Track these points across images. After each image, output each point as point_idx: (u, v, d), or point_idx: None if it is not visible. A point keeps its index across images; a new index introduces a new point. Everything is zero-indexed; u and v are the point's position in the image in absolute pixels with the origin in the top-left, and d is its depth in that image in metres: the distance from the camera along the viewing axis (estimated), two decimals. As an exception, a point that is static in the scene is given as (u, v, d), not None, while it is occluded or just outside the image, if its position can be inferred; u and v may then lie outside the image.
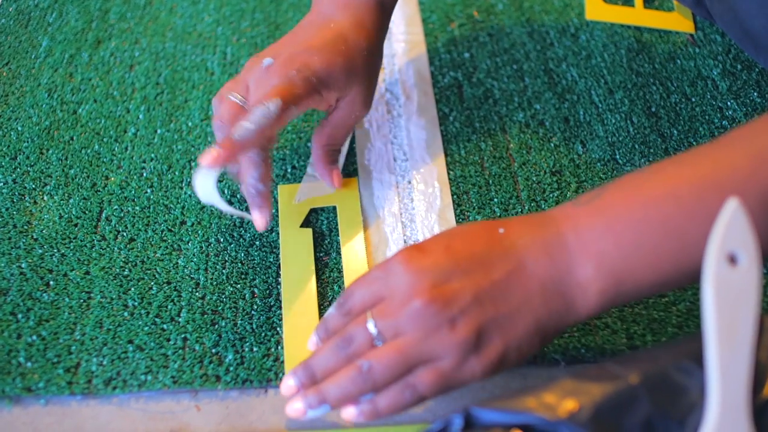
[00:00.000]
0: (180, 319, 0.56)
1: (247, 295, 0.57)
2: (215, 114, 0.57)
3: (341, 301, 0.48)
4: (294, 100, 0.53)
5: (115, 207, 0.63)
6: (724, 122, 0.67)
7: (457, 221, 0.61)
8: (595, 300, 0.44)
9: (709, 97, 0.70)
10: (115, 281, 0.58)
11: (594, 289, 0.44)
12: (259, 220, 0.57)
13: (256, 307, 0.56)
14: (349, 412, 0.45)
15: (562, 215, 0.46)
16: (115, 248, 0.60)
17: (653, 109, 0.69)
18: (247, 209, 0.58)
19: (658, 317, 0.54)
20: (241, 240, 0.61)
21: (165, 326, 0.55)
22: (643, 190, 0.44)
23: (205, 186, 0.52)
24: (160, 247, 0.60)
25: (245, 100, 0.56)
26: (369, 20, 0.60)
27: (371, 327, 0.45)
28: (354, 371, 0.44)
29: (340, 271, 0.59)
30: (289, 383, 0.47)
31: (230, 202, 0.63)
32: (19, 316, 0.56)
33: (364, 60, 0.59)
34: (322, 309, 0.56)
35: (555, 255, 0.44)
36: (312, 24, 0.60)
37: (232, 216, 0.61)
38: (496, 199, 0.63)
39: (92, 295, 0.57)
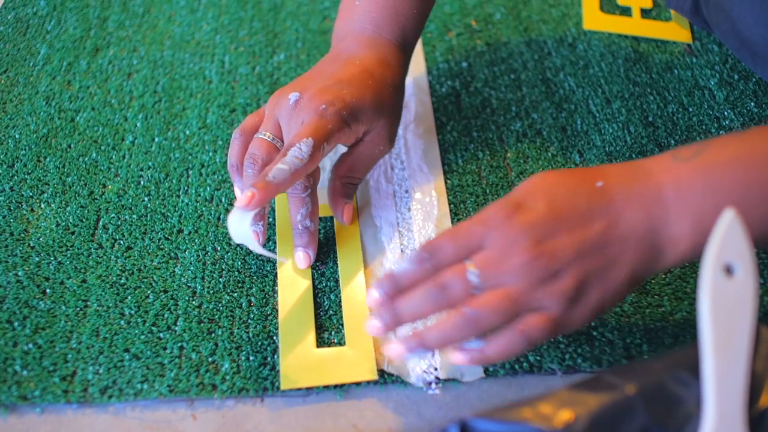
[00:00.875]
0: (176, 328, 0.56)
1: (243, 304, 0.57)
2: (248, 152, 0.56)
3: (424, 255, 0.47)
4: (325, 136, 0.53)
5: (112, 215, 0.63)
6: (721, 132, 0.68)
7: (455, 230, 0.61)
8: (683, 253, 0.45)
9: (706, 106, 0.70)
10: (111, 289, 0.58)
11: (686, 245, 0.45)
12: (303, 259, 0.58)
13: (252, 315, 0.56)
14: (459, 356, 0.46)
15: (662, 168, 0.46)
16: (112, 256, 0.60)
17: (650, 119, 0.70)
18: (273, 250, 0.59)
19: (655, 327, 0.54)
20: (238, 249, 0.61)
21: (161, 335, 0.55)
22: (747, 153, 0.45)
23: (239, 227, 0.52)
24: (157, 255, 0.60)
25: (276, 137, 0.57)
26: (393, 59, 0.61)
27: (473, 277, 0.45)
28: (458, 317, 0.45)
29: (336, 281, 0.59)
30: (374, 325, 0.48)
31: (228, 210, 0.63)
32: (16, 324, 0.56)
33: (391, 95, 0.59)
34: (318, 318, 0.56)
35: (652, 209, 0.45)
36: (336, 60, 0.61)
37: (260, 256, 0.60)
38: (493, 209, 0.63)
39: (89, 303, 0.57)
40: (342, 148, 0.61)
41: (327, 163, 0.66)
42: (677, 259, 0.46)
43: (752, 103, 0.70)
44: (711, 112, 0.70)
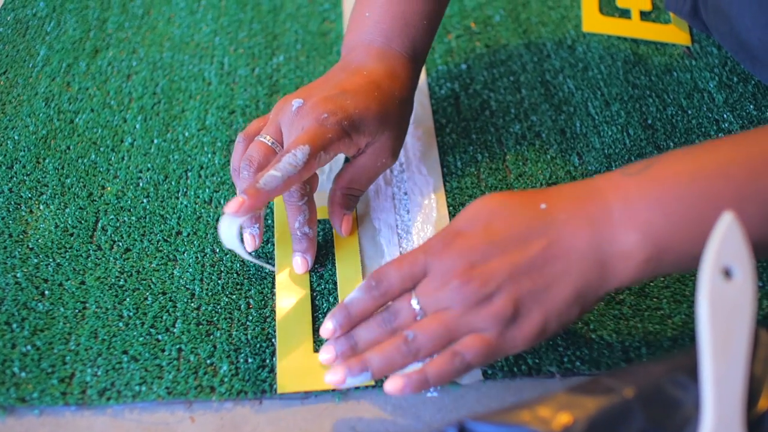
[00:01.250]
0: (175, 330, 0.56)
1: (242, 306, 0.57)
2: (246, 154, 0.56)
3: (372, 284, 0.48)
4: (324, 145, 0.53)
5: (111, 217, 0.63)
6: (720, 135, 0.68)
7: (453, 233, 0.61)
8: (636, 269, 0.45)
9: (705, 109, 0.70)
10: (110, 291, 0.58)
11: (636, 258, 0.44)
12: (301, 265, 0.58)
13: (251, 317, 0.56)
14: (396, 383, 0.46)
15: (610, 185, 0.46)
16: (111, 258, 0.60)
17: (649, 122, 0.70)
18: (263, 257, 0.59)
19: (654, 330, 0.54)
20: (236, 250, 0.61)
21: (160, 337, 0.55)
22: (695, 166, 0.45)
23: (228, 233, 0.52)
24: (156, 257, 0.60)
25: (276, 142, 0.56)
26: (402, 71, 0.61)
27: (414, 304, 0.47)
28: (399, 340, 0.46)
29: (335, 283, 0.58)
30: (328, 352, 0.49)
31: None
32: (14, 325, 0.56)
33: (397, 108, 0.59)
34: (316, 320, 0.56)
35: (598, 226, 0.45)
36: (344, 70, 0.60)
37: (259, 258, 0.60)
38: (492, 211, 0.63)
39: (87, 305, 0.57)
40: (343, 157, 0.61)
41: (326, 167, 0.66)
42: (632, 275, 0.45)
43: (751, 106, 0.70)
44: (710, 115, 0.70)
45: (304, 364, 0.53)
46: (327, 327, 0.49)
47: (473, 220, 0.48)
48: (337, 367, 0.48)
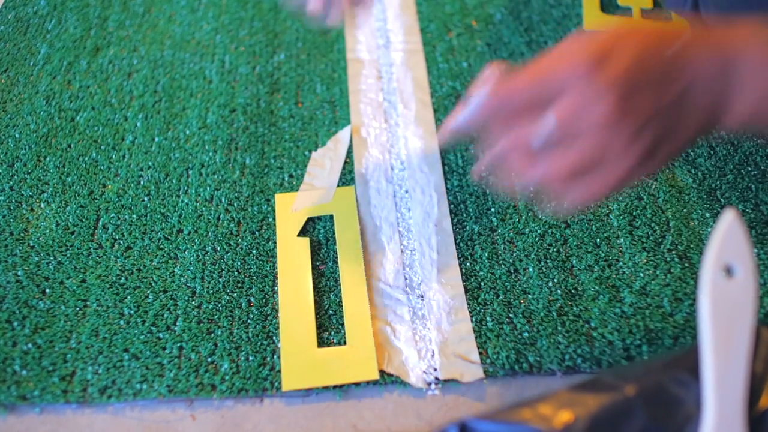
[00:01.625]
0: (176, 328, 0.56)
1: (243, 304, 0.57)
2: None
3: (501, 97, 0.46)
4: None
5: (112, 215, 0.63)
6: (721, 132, 0.67)
7: (454, 231, 0.61)
8: (740, 120, 0.46)
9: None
10: (111, 289, 0.58)
11: (746, 112, 0.46)
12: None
13: (252, 316, 0.56)
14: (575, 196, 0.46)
15: (739, 36, 0.47)
16: (112, 256, 0.60)
17: (651, 120, 0.69)
18: None
19: (655, 328, 0.54)
20: (237, 248, 0.61)
21: (161, 335, 0.55)
22: None
23: None
24: (157, 255, 0.60)
25: None
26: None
27: (550, 124, 0.44)
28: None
29: (336, 280, 0.58)
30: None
31: (227, 210, 0.63)
32: (15, 323, 0.56)
33: None
34: (318, 318, 0.56)
35: (726, 75, 0.46)
36: None
37: (260, 257, 0.60)
38: (493, 209, 0.63)
39: (88, 303, 0.57)
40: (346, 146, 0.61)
41: (327, 163, 0.66)
42: (733, 127, 0.47)
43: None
44: (711, 113, 0.69)
45: (308, 361, 0.53)
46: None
47: (620, 48, 0.45)
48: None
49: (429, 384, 0.52)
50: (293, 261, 0.59)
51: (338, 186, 0.65)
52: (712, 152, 0.65)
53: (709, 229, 0.60)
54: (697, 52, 0.47)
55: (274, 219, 0.63)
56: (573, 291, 0.57)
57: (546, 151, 0.45)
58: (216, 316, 0.56)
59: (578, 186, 0.46)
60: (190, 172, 0.67)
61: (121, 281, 0.59)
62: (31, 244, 0.61)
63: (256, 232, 0.62)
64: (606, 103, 0.44)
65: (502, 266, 0.59)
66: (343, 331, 0.55)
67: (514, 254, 0.59)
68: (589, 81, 0.44)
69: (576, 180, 0.45)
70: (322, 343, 0.55)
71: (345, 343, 0.55)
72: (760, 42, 0.47)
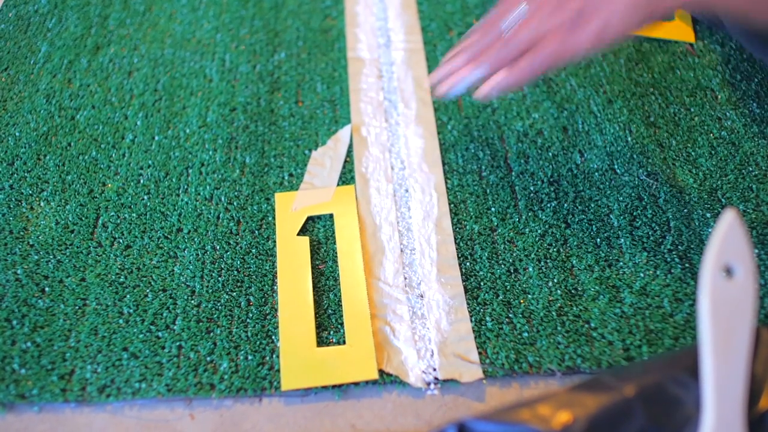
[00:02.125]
0: (175, 327, 0.56)
1: (242, 303, 0.57)
2: None
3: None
4: None
5: (111, 213, 0.63)
6: (723, 132, 0.67)
7: (454, 230, 0.61)
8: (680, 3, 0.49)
9: (708, 107, 0.70)
10: (110, 288, 0.58)
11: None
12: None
13: (251, 315, 0.56)
14: (495, 79, 0.54)
15: None
16: (111, 255, 0.60)
17: (652, 119, 0.69)
18: None
19: (655, 329, 0.54)
20: (237, 248, 0.61)
21: (160, 334, 0.55)
22: None
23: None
24: (156, 254, 0.60)
25: None
26: None
27: (521, 10, 0.54)
28: (499, 42, 0.55)
29: (336, 280, 0.58)
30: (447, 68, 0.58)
31: (227, 209, 0.63)
32: (14, 322, 0.56)
33: None
34: (318, 317, 0.56)
35: None
36: None
37: (259, 256, 0.60)
38: (493, 209, 0.62)
39: (87, 302, 0.57)
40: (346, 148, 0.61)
41: (327, 162, 0.66)
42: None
43: (754, 104, 0.70)
44: (713, 113, 0.69)
45: (307, 361, 0.53)
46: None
47: None
48: (462, 70, 0.56)
49: (428, 384, 0.52)
50: (293, 260, 0.59)
51: (338, 185, 0.65)
52: (713, 152, 0.65)
53: (709, 230, 0.60)
54: None
55: (273, 218, 0.62)
56: (573, 291, 0.57)
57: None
58: (215, 315, 0.56)
59: (529, 54, 0.53)
60: (190, 170, 0.67)
61: (121, 280, 0.59)
62: (31, 243, 0.61)
63: (256, 231, 0.62)
64: None
65: (502, 266, 0.59)
66: (342, 331, 0.55)
67: (514, 254, 0.59)
68: None
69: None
70: (321, 342, 0.55)
71: (344, 342, 0.54)
72: None
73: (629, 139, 0.68)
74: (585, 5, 0.51)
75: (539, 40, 0.53)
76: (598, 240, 0.60)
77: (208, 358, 0.54)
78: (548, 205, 0.62)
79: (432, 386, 0.52)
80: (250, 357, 0.54)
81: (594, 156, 0.66)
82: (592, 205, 0.62)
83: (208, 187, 0.65)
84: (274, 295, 0.58)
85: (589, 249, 0.59)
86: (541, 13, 0.53)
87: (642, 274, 0.57)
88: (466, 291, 0.57)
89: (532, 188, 0.64)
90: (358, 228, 0.62)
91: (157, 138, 0.70)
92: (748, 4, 0.50)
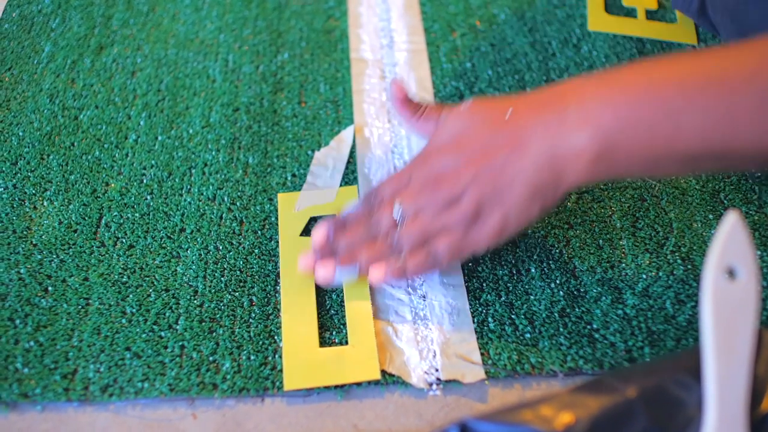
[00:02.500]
0: (178, 327, 0.56)
1: (245, 303, 0.57)
2: None
3: (369, 198, 0.57)
4: None
5: (114, 213, 0.63)
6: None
7: (457, 231, 0.61)
8: (587, 166, 0.48)
9: (710, 109, 0.70)
10: (113, 288, 0.58)
11: (587, 156, 0.47)
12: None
13: (254, 315, 0.56)
14: (379, 271, 0.55)
15: (571, 88, 0.50)
16: (114, 255, 0.60)
17: (654, 121, 0.69)
18: None
19: (657, 330, 0.54)
20: (240, 248, 0.61)
21: (163, 333, 0.55)
22: (653, 73, 0.48)
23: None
24: (159, 254, 0.60)
25: None
26: None
27: (396, 209, 0.54)
28: (383, 241, 0.54)
29: (338, 280, 0.58)
30: (308, 258, 0.57)
31: (230, 209, 0.63)
32: (17, 321, 0.56)
33: None
34: (320, 317, 0.56)
35: (552, 128, 0.49)
36: None
37: (262, 256, 0.61)
38: (496, 210, 0.62)
39: (90, 301, 0.57)
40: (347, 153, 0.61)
41: (330, 162, 0.66)
42: (584, 172, 0.48)
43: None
44: (715, 114, 0.69)
45: (310, 361, 0.53)
46: (320, 231, 0.57)
47: (447, 136, 0.54)
48: (327, 261, 0.56)
49: (430, 384, 0.52)
50: (295, 261, 0.59)
51: (341, 186, 0.65)
52: (715, 154, 0.65)
53: (712, 231, 0.60)
54: (526, 114, 0.51)
55: (276, 218, 0.63)
56: (575, 292, 0.57)
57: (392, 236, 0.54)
58: (218, 315, 0.56)
59: (420, 250, 0.54)
60: (193, 171, 0.67)
61: (123, 280, 0.59)
62: (34, 242, 0.61)
63: (259, 232, 0.62)
64: (427, 180, 0.53)
65: (505, 267, 0.59)
66: (345, 331, 0.55)
67: (517, 255, 0.59)
68: (420, 168, 0.54)
69: (423, 245, 0.53)
70: (323, 342, 0.55)
71: (347, 342, 0.55)
72: (586, 84, 0.49)
73: (632, 140, 0.68)
74: (480, 204, 0.51)
75: (431, 238, 0.53)
76: (601, 241, 0.60)
77: (211, 358, 0.54)
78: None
79: (434, 387, 0.52)
80: (252, 357, 0.54)
81: (596, 157, 0.66)
82: (595, 207, 0.62)
83: (211, 187, 0.65)
84: (277, 295, 0.58)
85: (591, 250, 0.59)
86: (428, 213, 0.53)
87: (644, 276, 0.57)
88: (468, 292, 0.57)
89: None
90: (361, 228, 0.62)
91: (160, 138, 0.70)
92: (650, 170, 0.50)
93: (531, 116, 0.50)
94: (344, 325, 0.56)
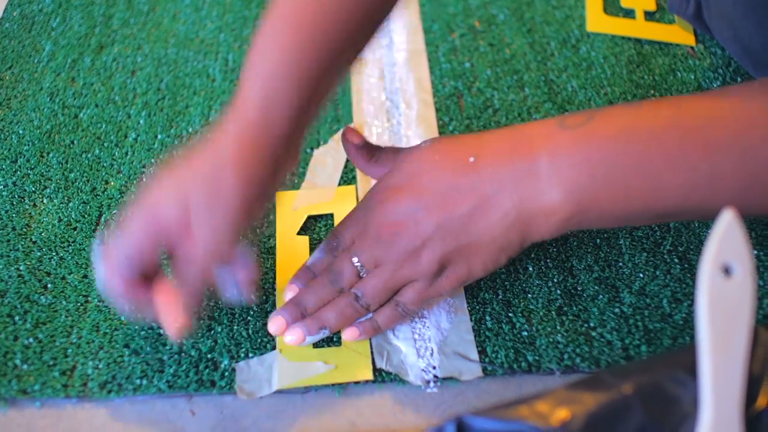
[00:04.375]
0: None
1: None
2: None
3: (331, 243, 0.54)
4: None
5: (114, 211, 0.63)
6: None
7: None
8: (557, 225, 0.47)
9: (708, 109, 0.70)
10: (112, 285, 0.58)
11: (558, 216, 0.46)
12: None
13: (252, 313, 0.57)
14: (353, 331, 0.52)
15: (542, 135, 0.47)
16: (114, 252, 0.60)
17: (652, 121, 0.69)
18: None
19: (654, 328, 0.54)
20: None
21: (161, 331, 0.55)
22: (633, 126, 0.46)
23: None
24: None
25: None
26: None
27: (355, 260, 0.51)
28: (349, 298, 0.51)
29: (337, 278, 0.59)
30: (278, 321, 0.53)
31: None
32: (16, 318, 0.56)
33: None
34: (318, 315, 0.56)
35: (522, 182, 0.46)
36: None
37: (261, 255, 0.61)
38: (494, 209, 0.63)
39: (89, 298, 0.57)
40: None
41: (328, 161, 0.67)
42: (553, 230, 0.47)
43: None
44: (713, 115, 0.70)
45: (302, 360, 0.53)
46: (292, 289, 0.54)
47: (405, 175, 0.51)
48: (295, 327, 0.52)
49: (428, 382, 0.52)
50: (292, 259, 0.59)
51: (339, 185, 0.65)
52: (713, 154, 0.65)
53: (708, 230, 0.60)
54: (491, 160, 0.48)
55: (275, 217, 0.63)
56: (572, 291, 0.57)
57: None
58: (216, 313, 0.57)
59: (388, 304, 0.52)
60: (193, 169, 0.67)
61: (123, 277, 0.59)
62: (34, 240, 0.61)
63: (257, 230, 0.62)
64: (386, 229, 0.50)
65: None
66: (339, 331, 0.55)
67: (514, 254, 0.59)
68: (375, 213, 0.51)
69: (390, 296, 0.52)
70: (318, 342, 0.55)
71: (341, 343, 0.55)
72: (560, 136, 0.46)
73: (630, 140, 0.68)
74: (444, 260, 0.49)
75: (396, 289, 0.51)
76: (598, 240, 0.60)
77: (209, 355, 0.54)
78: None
79: (432, 384, 0.52)
80: (250, 354, 0.54)
81: (594, 157, 0.67)
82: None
83: (210, 185, 0.65)
84: (275, 293, 0.58)
85: (588, 249, 0.59)
86: (389, 265, 0.50)
87: (641, 275, 0.57)
88: (465, 290, 0.57)
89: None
90: (359, 227, 0.62)
91: (160, 137, 0.70)
92: (620, 224, 0.50)
93: (498, 164, 0.47)
94: (342, 323, 0.56)
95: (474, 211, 0.47)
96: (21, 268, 0.59)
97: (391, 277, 0.50)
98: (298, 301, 0.53)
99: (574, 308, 0.56)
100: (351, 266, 0.51)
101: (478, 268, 0.49)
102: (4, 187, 0.65)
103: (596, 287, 0.57)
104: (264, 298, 0.57)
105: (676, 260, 0.58)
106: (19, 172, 0.67)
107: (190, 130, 0.70)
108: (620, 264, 0.58)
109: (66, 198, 0.65)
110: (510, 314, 0.56)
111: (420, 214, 0.49)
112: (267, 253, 0.60)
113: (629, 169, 0.44)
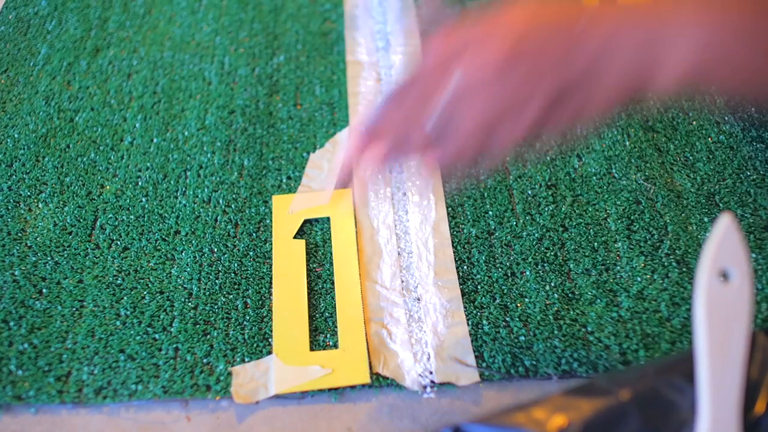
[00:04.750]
0: (172, 329, 0.56)
1: (239, 306, 0.57)
2: None
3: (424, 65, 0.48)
4: None
5: (109, 215, 0.63)
6: (721, 137, 0.67)
7: (452, 234, 0.61)
8: (674, 84, 0.43)
9: (706, 111, 0.70)
10: (107, 290, 0.58)
11: (674, 79, 0.42)
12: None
13: (248, 317, 0.56)
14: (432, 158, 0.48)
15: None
16: (109, 257, 0.60)
17: (650, 123, 0.69)
18: None
19: (652, 333, 0.54)
20: (234, 250, 0.61)
21: (157, 336, 0.55)
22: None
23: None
24: (154, 256, 0.60)
25: None
26: None
27: (455, 80, 0.45)
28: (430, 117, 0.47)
29: (332, 283, 0.58)
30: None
31: (225, 212, 0.63)
32: (11, 323, 0.56)
33: None
34: (315, 320, 0.56)
35: (648, 25, 0.42)
36: None
37: (257, 258, 0.61)
38: (491, 212, 0.62)
39: (85, 303, 0.57)
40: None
41: (325, 165, 0.66)
42: (679, 72, 0.42)
43: (753, 108, 0.70)
44: (711, 117, 0.69)
45: (300, 363, 0.53)
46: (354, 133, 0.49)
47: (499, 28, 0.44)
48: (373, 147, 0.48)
49: (424, 387, 0.52)
50: (288, 263, 0.59)
51: (336, 188, 0.65)
52: (711, 156, 0.65)
53: (707, 234, 0.60)
54: (613, 21, 0.43)
55: (271, 221, 0.62)
56: (570, 295, 0.57)
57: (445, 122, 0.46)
58: (212, 318, 0.56)
59: (487, 140, 0.45)
60: (188, 173, 0.67)
61: (118, 282, 0.59)
62: (29, 244, 0.61)
63: (254, 234, 0.62)
64: (498, 49, 0.43)
65: (499, 269, 0.59)
66: (338, 334, 0.55)
67: (512, 257, 0.59)
68: (486, 38, 0.44)
69: (483, 134, 0.45)
70: (317, 345, 0.55)
71: (339, 346, 0.54)
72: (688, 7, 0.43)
73: (627, 143, 0.68)
74: (562, 89, 0.43)
75: (495, 124, 0.44)
76: (596, 244, 0.60)
77: (205, 360, 0.54)
78: (546, 208, 0.62)
79: (428, 389, 0.52)
80: (246, 359, 0.54)
81: (592, 160, 0.66)
82: (590, 209, 0.62)
83: (206, 189, 0.65)
84: (271, 297, 0.58)
85: (586, 253, 0.59)
86: (497, 89, 0.43)
87: (639, 279, 0.57)
88: (463, 294, 0.57)
89: (529, 192, 0.64)
90: (355, 231, 0.62)
91: (155, 140, 0.70)
92: (746, 85, 0.44)
93: (617, 16, 0.43)
94: (337, 328, 0.56)
95: (593, 62, 0.42)
96: (16, 273, 0.59)
97: (497, 103, 0.44)
98: (376, 124, 0.49)
99: (572, 312, 0.55)
100: (439, 86, 0.46)
101: (591, 107, 0.43)
102: (-1, 191, 0.65)
103: (594, 291, 0.57)
104: (260, 302, 0.57)
105: (674, 264, 0.58)
106: (14, 177, 0.66)
107: (186, 133, 0.70)
108: (618, 268, 0.58)
109: (61, 202, 0.64)
110: (507, 319, 0.55)
111: (529, 47, 0.42)
112: (264, 257, 0.60)
113: (755, 41, 0.42)
